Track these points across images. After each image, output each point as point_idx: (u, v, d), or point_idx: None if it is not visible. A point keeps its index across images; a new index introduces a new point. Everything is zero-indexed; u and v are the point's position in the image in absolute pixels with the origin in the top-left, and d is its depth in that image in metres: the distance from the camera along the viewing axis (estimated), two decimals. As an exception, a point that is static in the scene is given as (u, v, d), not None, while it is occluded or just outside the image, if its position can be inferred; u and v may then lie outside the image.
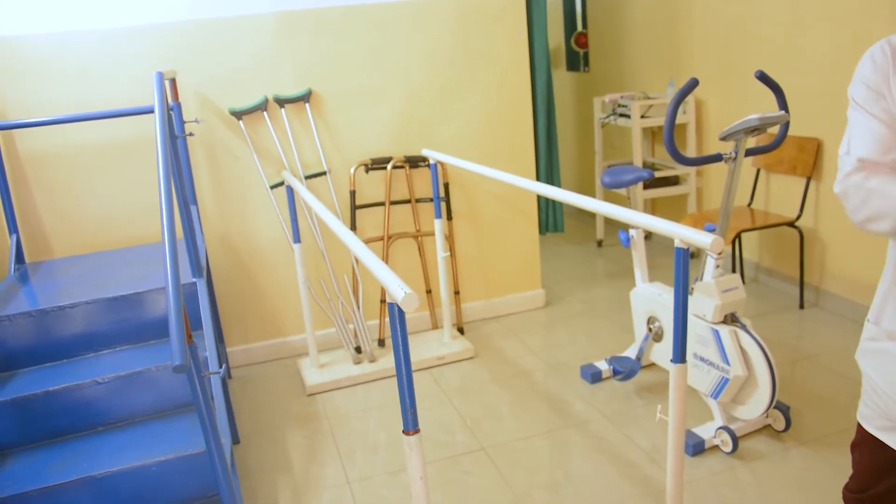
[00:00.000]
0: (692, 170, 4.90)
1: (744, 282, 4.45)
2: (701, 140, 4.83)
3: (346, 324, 3.75)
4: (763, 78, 2.69)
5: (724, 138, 2.63)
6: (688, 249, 1.93)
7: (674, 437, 2.08)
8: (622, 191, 3.44)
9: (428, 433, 3.10)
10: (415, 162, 3.90)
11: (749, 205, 4.30)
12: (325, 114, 3.76)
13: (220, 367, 2.66)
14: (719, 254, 2.74)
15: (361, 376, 3.62)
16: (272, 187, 3.73)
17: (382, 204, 3.93)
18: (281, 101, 3.65)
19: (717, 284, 2.72)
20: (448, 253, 3.92)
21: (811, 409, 3.02)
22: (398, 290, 1.59)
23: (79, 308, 2.74)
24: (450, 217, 4.04)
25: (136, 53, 3.42)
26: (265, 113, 3.65)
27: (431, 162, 3.64)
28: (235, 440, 3.17)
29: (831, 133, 3.73)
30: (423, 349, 3.82)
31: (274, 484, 2.85)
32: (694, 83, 2.63)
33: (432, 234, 4.02)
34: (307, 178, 3.78)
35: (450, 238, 4.07)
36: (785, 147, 3.97)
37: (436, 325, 4.17)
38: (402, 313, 1.64)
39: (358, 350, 3.77)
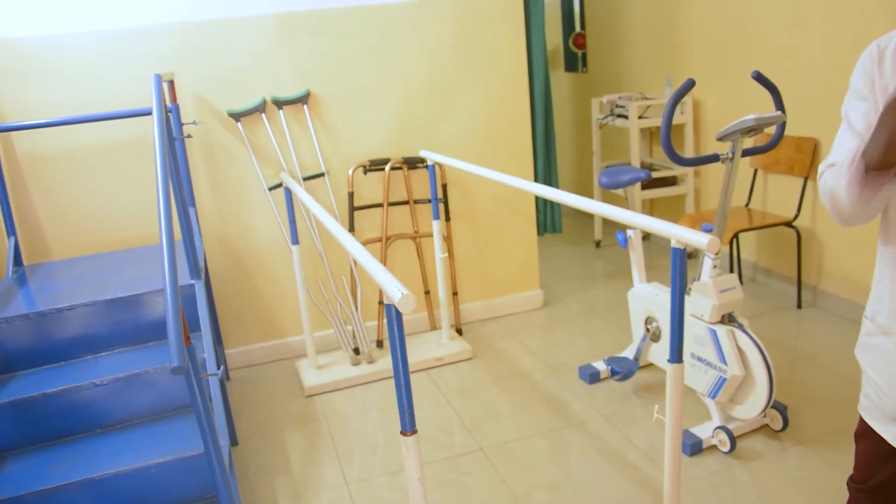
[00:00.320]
0: (690, 170, 4.91)
1: (741, 282, 4.46)
2: (699, 140, 4.84)
3: (344, 325, 3.76)
4: (759, 78, 2.69)
5: (721, 139, 2.64)
6: (684, 250, 1.93)
7: (671, 436, 2.08)
8: (620, 191, 3.45)
9: (426, 434, 3.11)
10: (413, 163, 3.91)
11: (747, 205, 4.30)
12: (323, 115, 3.77)
13: (218, 368, 2.66)
14: (716, 254, 2.75)
15: (360, 377, 3.63)
16: (270, 189, 3.73)
17: (380, 205, 3.93)
18: (279, 103, 3.66)
19: (715, 284, 2.73)
20: (446, 254, 3.92)
21: (809, 408, 3.02)
22: (395, 292, 1.60)
23: (77, 310, 2.75)
24: (448, 218, 4.05)
25: (134, 55, 3.42)
26: (263, 114, 3.66)
27: (429, 163, 3.64)
28: (234, 442, 3.17)
29: (828, 133, 3.74)
30: (421, 350, 3.83)
31: (272, 485, 2.85)
32: (691, 84, 2.64)
33: (430, 235, 4.03)
34: (305, 179, 3.78)
35: (448, 239, 4.08)
36: (782, 147, 3.97)
37: (434, 326, 4.18)
38: (399, 314, 1.64)
39: (356, 351, 3.78)
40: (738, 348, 2.73)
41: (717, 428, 2.79)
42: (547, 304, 4.46)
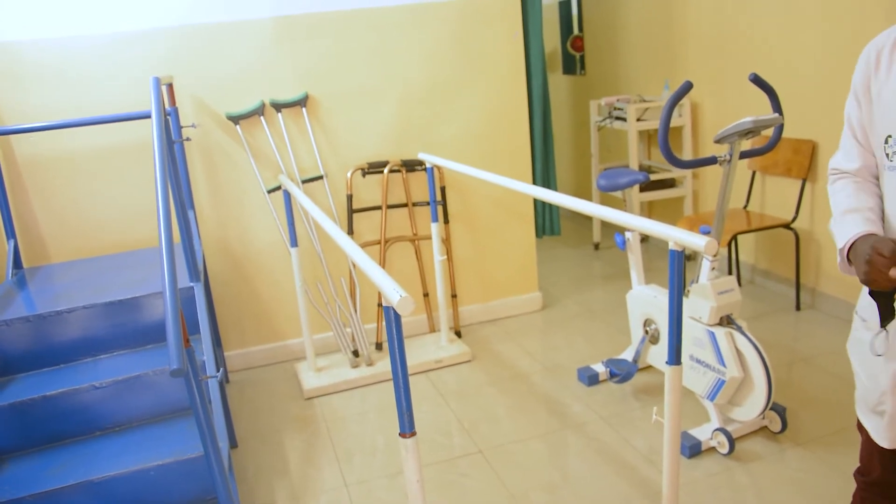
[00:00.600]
0: (688, 172, 4.92)
1: (740, 284, 4.47)
2: (697, 142, 4.85)
3: (343, 327, 3.76)
4: (757, 81, 2.70)
5: (718, 141, 2.64)
6: (682, 252, 1.94)
7: (670, 438, 2.09)
8: (618, 193, 3.45)
9: (425, 436, 3.11)
10: (411, 166, 3.91)
11: (745, 207, 4.31)
12: (321, 118, 3.77)
13: (218, 371, 2.67)
14: (714, 256, 2.75)
15: (359, 380, 3.63)
16: (269, 191, 3.74)
17: (379, 208, 3.94)
18: (278, 106, 3.66)
19: (713, 286, 2.73)
20: (445, 256, 3.93)
21: (807, 410, 3.03)
22: (394, 294, 1.60)
23: (76, 313, 2.75)
24: (446, 220, 4.05)
25: (133, 58, 3.43)
26: (262, 117, 3.66)
27: (428, 166, 3.65)
28: (233, 444, 3.17)
29: (826, 135, 3.75)
30: (420, 352, 3.83)
31: (271, 487, 2.85)
32: (688, 86, 2.65)
33: (429, 237, 4.03)
34: (304, 182, 3.79)
35: (447, 241, 4.08)
36: (780, 149, 3.98)
37: (433, 329, 4.18)
38: (398, 317, 1.65)
39: (355, 354, 3.78)
40: (737, 350, 2.73)
41: (716, 430, 2.80)
42: (546, 306, 4.47)
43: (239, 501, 2.64)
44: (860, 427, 1.66)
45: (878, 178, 1.54)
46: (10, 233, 3.31)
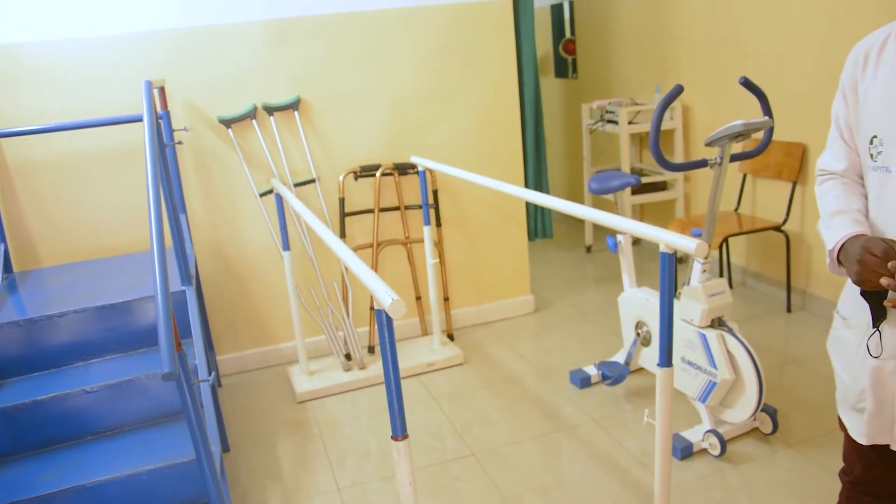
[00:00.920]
0: (680, 175, 4.94)
1: (731, 286, 4.48)
2: (688, 145, 4.87)
3: (335, 331, 3.76)
4: (747, 84, 2.72)
5: (709, 144, 2.65)
6: (673, 255, 1.95)
7: (661, 440, 2.09)
8: (609, 196, 3.46)
9: (418, 439, 3.11)
10: (404, 169, 3.92)
11: (736, 209, 4.33)
12: (314, 121, 3.77)
13: (210, 374, 2.66)
14: (705, 258, 2.76)
15: (351, 383, 3.63)
16: (261, 195, 3.74)
17: (372, 211, 3.94)
18: (270, 109, 3.66)
19: (704, 289, 2.75)
20: (437, 259, 3.93)
21: (798, 411, 3.04)
22: (386, 297, 1.60)
23: (67, 317, 2.74)
24: (439, 224, 4.06)
25: (125, 61, 3.42)
26: (254, 121, 3.66)
27: (420, 169, 3.66)
28: (226, 448, 3.17)
29: (816, 138, 3.77)
30: (412, 355, 3.83)
31: (264, 491, 2.85)
32: (678, 90, 2.66)
33: (421, 240, 4.04)
34: (296, 185, 3.79)
35: (439, 245, 4.08)
36: (771, 152, 4.00)
37: (425, 332, 4.18)
38: (389, 320, 1.65)
39: (348, 357, 3.78)
40: (728, 352, 2.74)
41: (708, 431, 2.81)
42: (538, 309, 4.47)
43: (231, 505, 2.63)
44: (842, 426, 1.67)
45: (863, 179, 1.56)
46: (1, 236, 3.30)
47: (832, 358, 1.67)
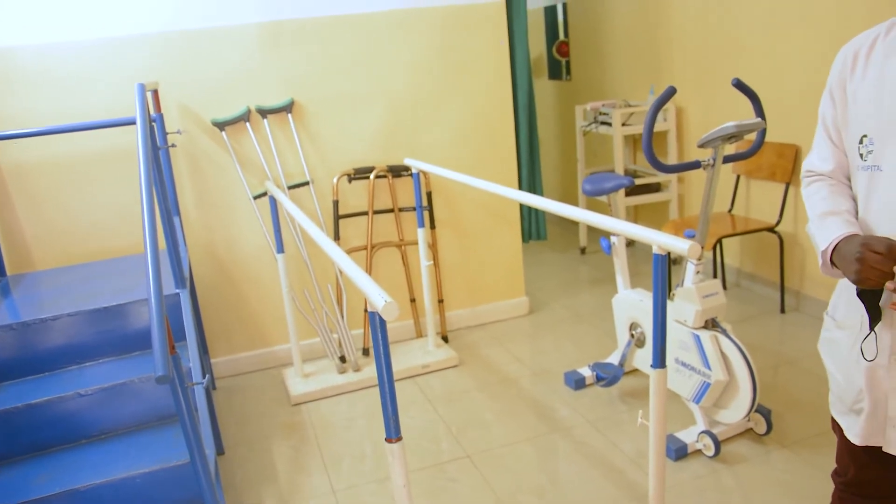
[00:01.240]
0: (673, 177, 4.95)
1: (725, 287, 4.50)
2: (682, 147, 4.88)
3: (330, 333, 3.76)
4: (739, 86, 2.73)
5: (702, 145, 2.66)
6: (666, 256, 1.95)
7: (655, 441, 2.10)
8: (603, 198, 3.47)
9: (413, 441, 3.11)
10: (398, 171, 3.92)
11: (730, 211, 4.34)
12: (307, 124, 3.77)
13: (204, 377, 2.66)
14: (699, 260, 2.77)
15: (346, 385, 3.63)
16: (255, 198, 3.73)
17: (366, 213, 3.94)
18: (263, 112, 3.66)
19: (698, 290, 2.75)
20: (431, 262, 3.93)
21: (792, 412, 3.05)
22: (378, 299, 1.61)
23: (61, 320, 2.74)
24: (433, 226, 4.06)
25: (119, 64, 3.42)
26: (248, 123, 3.66)
27: (414, 171, 3.66)
28: (220, 451, 3.16)
29: (809, 139, 3.73)
30: (407, 358, 3.83)
31: (259, 494, 2.85)
32: (671, 91, 2.67)
33: (416, 242, 4.04)
34: (290, 188, 3.79)
35: (433, 247, 4.09)
36: (764, 153, 4.01)
37: (420, 334, 4.18)
38: (383, 322, 1.65)
39: (342, 359, 3.78)
40: (722, 353, 2.75)
41: (702, 432, 2.81)
42: (532, 310, 4.48)
43: (226, 508, 2.63)
44: (835, 427, 1.68)
45: (850, 179, 1.56)
46: (-6, 240, 3.29)
47: (825, 359, 1.67)
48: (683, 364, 2.87)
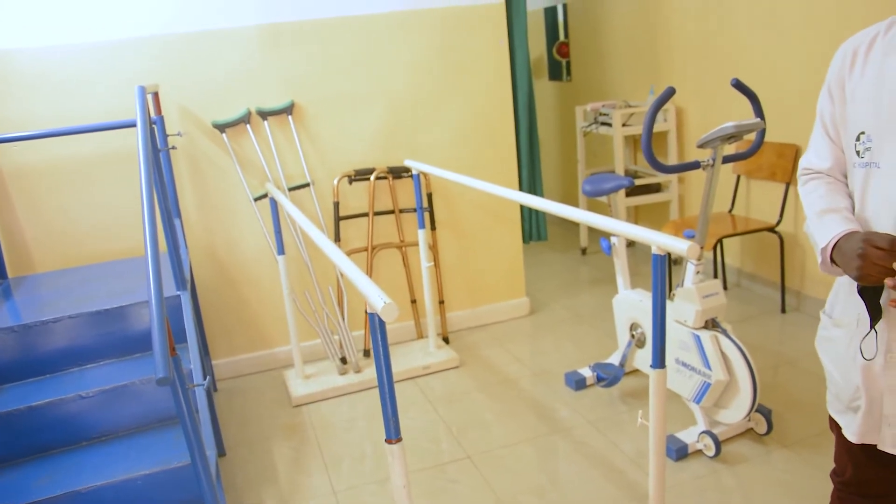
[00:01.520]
0: (674, 177, 4.95)
1: (726, 287, 4.50)
2: (682, 147, 4.88)
3: (331, 335, 3.76)
4: (739, 86, 2.73)
5: (701, 146, 2.67)
6: (665, 256, 1.95)
7: (655, 441, 2.10)
8: (603, 199, 3.47)
9: (414, 442, 3.11)
10: (398, 173, 3.92)
11: (730, 211, 4.34)
12: (308, 125, 3.78)
13: (205, 379, 2.66)
14: (698, 260, 2.77)
15: (347, 387, 3.63)
16: (256, 199, 3.74)
17: (366, 215, 3.95)
18: (264, 114, 3.67)
19: (698, 290, 2.75)
20: (432, 263, 3.93)
21: (793, 412, 3.05)
22: (378, 300, 1.61)
23: (62, 322, 2.74)
24: (433, 227, 4.06)
25: (119, 67, 3.43)
26: (248, 125, 3.67)
27: (414, 172, 3.66)
28: (221, 452, 3.17)
29: (809, 139, 3.77)
30: (408, 359, 3.83)
31: (260, 496, 2.85)
32: (670, 92, 2.67)
33: (416, 244, 4.04)
34: (291, 189, 3.79)
35: (434, 248, 4.09)
36: (764, 153, 4.02)
37: (421, 335, 4.19)
38: (382, 323, 1.65)
39: (343, 361, 3.78)
40: (722, 353, 2.75)
41: (703, 432, 2.81)
42: (533, 311, 4.48)
43: (227, 510, 2.63)
44: (833, 426, 1.68)
45: (847, 177, 1.56)
46: (-5, 243, 3.30)
47: (822, 358, 1.68)
48: (684, 364, 2.88)
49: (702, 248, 2.83)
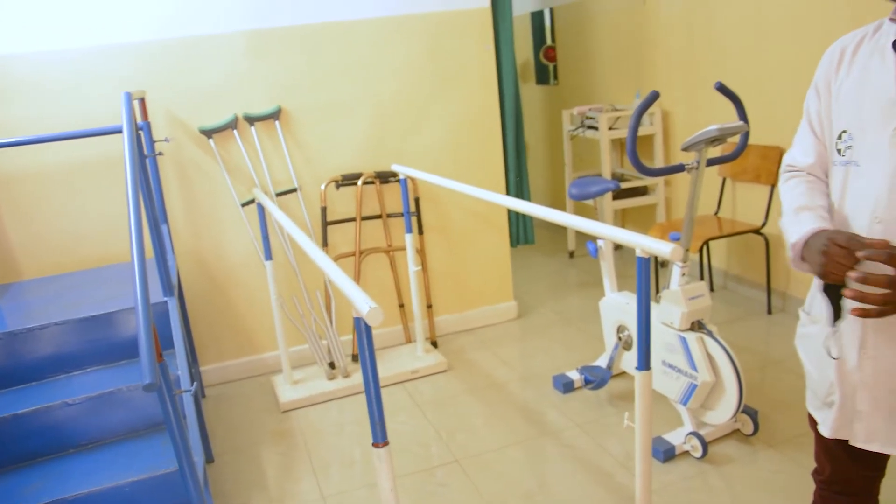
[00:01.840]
0: (660, 180, 4.97)
1: (712, 289, 4.52)
2: (668, 150, 4.91)
3: (319, 340, 3.76)
4: (722, 89, 2.75)
5: (685, 149, 2.68)
6: (650, 259, 1.97)
7: (641, 443, 2.11)
8: (590, 202, 3.49)
9: (402, 446, 3.12)
10: (385, 177, 3.93)
11: (716, 213, 4.37)
12: (295, 131, 3.78)
13: (192, 385, 2.66)
14: (684, 262, 2.79)
15: (335, 392, 3.63)
16: (243, 205, 3.74)
17: (354, 220, 3.95)
18: (251, 119, 3.67)
19: (684, 292, 2.77)
20: (420, 267, 3.94)
21: (779, 412, 3.07)
22: (363, 305, 1.62)
23: (48, 329, 2.73)
24: (421, 231, 4.07)
25: (106, 72, 3.42)
26: (235, 131, 3.67)
27: (401, 177, 3.67)
28: (209, 458, 3.16)
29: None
30: (396, 363, 3.84)
31: (249, 501, 2.84)
32: (655, 95, 2.69)
33: (404, 248, 4.05)
34: (278, 195, 3.79)
35: (421, 252, 4.10)
36: (749, 156, 4.05)
37: (409, 339, 4.19)
38: (368, 327, 1.66)
39: (331, 366, 3.78)
40: (708, 355, 2.77)
41: (690, 434, 2.83)
42: (521, 314, 4.49)
43: (215, 516, 2.63)
44: (812, 424, 1.70)
45: (828, 175, 1.58)
46: (-19, 250, 3.28)
47: (801, 354, 1.70)
48: (670, 366, 2.89)
49: (687, 250, 2.85)
